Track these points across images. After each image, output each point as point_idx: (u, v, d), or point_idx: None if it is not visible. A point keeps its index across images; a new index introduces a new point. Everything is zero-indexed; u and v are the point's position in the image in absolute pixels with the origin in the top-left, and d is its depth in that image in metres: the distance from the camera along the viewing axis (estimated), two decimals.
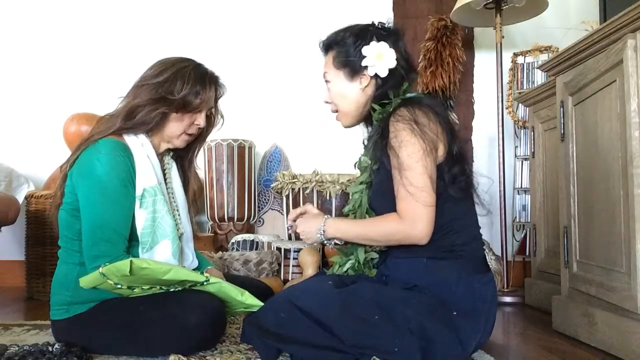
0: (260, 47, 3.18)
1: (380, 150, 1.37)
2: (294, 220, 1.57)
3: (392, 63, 1.42)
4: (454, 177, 1.36)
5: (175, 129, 1.55)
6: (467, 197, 1.42)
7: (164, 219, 1.48)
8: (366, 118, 1.52)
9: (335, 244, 1.50)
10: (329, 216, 1.49)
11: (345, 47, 1.46)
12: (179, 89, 1.50)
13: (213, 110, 1.64)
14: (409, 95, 1.45)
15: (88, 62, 3.10)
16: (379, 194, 1.42)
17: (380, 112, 1.43)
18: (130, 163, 1.45)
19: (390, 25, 1.49)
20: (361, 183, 1.49)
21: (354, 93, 1.47)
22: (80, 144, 1.48)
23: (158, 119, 1.50)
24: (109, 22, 3.14)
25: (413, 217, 1.30)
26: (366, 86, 1.46)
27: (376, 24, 1.49)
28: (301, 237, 1.52)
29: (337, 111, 1.53)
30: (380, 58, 1.42)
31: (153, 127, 1.52)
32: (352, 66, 1.45)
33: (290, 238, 2.86)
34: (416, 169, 1.30)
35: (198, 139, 1.67)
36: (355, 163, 1.56)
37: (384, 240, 1.40)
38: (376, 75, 1.44)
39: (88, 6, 3.15)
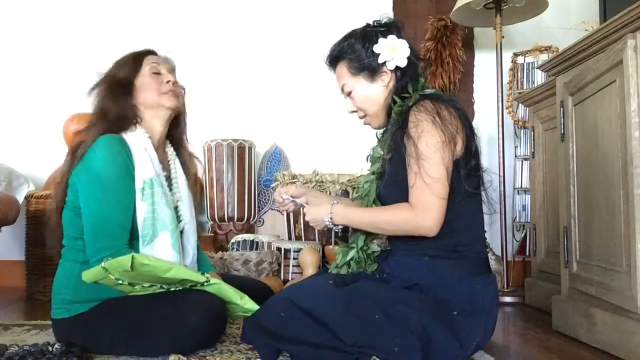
0: (260, 47, 3.18)
1: (398, 139, 1.37)
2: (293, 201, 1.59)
3: (408, 51, 1.44)
4: (469, 172, 1.37)
5: (151, 94, 1.56)
6: (476, 195, 1.42)
7: (162, 210, 1.49)
8: (388, 113, 1.52)
9: (335, 243, 1.50)
10: (335, 201, 1.50)
11: (355, 52, 1.46)
12: (111, 74, 1.57)
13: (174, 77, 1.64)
14: (427, 91, 1.46)
15: (88, 62, 3.09)
16: (392, 182, 1.41)
17: (400, 105, 1.44)
18: (127, 156, 1.46)
19: (385, 19, 1.50)
20: (373, 173, 1.50)
21: (379, 92, 1.48)
22: (77, 147, 1.48)
23: (119, 105, 1.52)
24: (108, 22, 3.14)
25: (425, 208, 1.31)
26: (389, 82, 1.47)
27: (371, 23, 1.50)
28: (310, 224, 1.53)
29: (364, 116, 1.53)
30: (395, 50, 1.43)
31: (130, 114, 1.54)
32: (370, 68, 1.45)
33: (290, 237, 2.86)
34: (434, 160, 1.31)
35: (179, 117, 1.68)
36: (368, 156, 1.56)
37: (392, 229, 1.40)
38: (396, 68, 1.45)
39: (88, 6, 3.15)
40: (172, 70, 1.64)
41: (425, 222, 1.32)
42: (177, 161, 1.66)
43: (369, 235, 1.52)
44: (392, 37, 1.43)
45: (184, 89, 1.68)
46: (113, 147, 1.44)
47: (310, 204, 1.56)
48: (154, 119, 1.58)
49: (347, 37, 1.50)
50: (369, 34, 1.46)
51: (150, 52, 1.65)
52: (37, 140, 3.04)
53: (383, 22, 1.49)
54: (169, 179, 1.61)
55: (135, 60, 1.59)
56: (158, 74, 1.59)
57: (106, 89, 1.55)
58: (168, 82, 1.59)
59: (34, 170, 2.89)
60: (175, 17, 3.17)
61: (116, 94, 1.54)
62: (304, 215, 1.56)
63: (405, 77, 1.46)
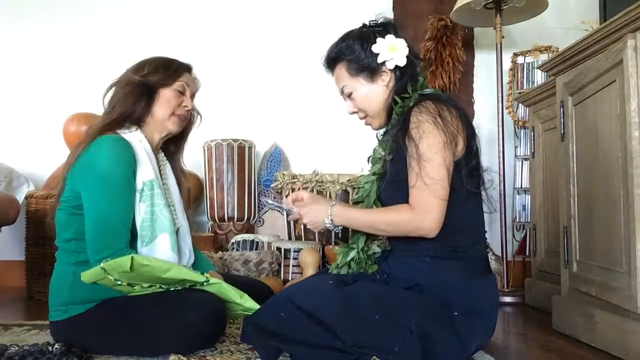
0: (261, 47, 3.18)
1: (399, 140, 1.37)
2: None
3: (406, 50, 1.44)
4: (470, 172, 1.37)
5: (165, 110, 1.57)
6: (476, 195, 1.42)
7: (161, 212, 1.49)
8: (388, 113, 1.52)
9: (336, 243, 1.50)
10: (334, 203, 1.50)
11: (354, 53, 1.46)
12: (143, 72, 1.55)
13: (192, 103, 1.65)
14: (427, 91, 1.45)
15: (88, 62, 3.10)
16: (394, 182, 1.40)
17: (401, 105, 1.44)
18: (132, 157, 1.47)
19: (381, 19, 1.50)
20: (373, 174, 1.50)
21: (379, 92, 1.47)
22: (76, 147, 1.50)
23: (138, 107, 1.53)
24: (108, 22, 3.14)
25: (425, 209, 1.31)
26: (388, 81, 1.46)
27: (367, 23, 1.50)
28: (308, 226, 1.52)
29: (365, 117, 1.53)
30: (394, 49, 1.43)
31: (141, 116, 1.54)
32: (369, 68, 1.45)
33: (290, 237, 2.86)
34: (435, 161, 1.31)
35: (182, 136, 1.70)
36: (369, 157, 1.56)
37: (392, 230, 1.40)
38: (395, 68, 1.45)
39: (88, 6, 3.15)
40: (193, 95, 1.67)
41: (426, 223, 1.32)
42: (167, 165, 1.68)
43: (370, 236, 1.52)
44: (390, 37, 1.43)
45: (200, 115, 1.73)
46: (117, 147, 1.45)
47: (309, 204, 1.55)
48: (155, 130, 1.60)
49: (344, 39, 1.49)
50: (366, 34, 1.46)
51: (189, 69, 1.66)
52: (37, 140, 3.04)
53: (379, 21, 1.49)
54: (162, 182, 1.62)
55: (174, 72, 1.59)
56: (182, 93, 1.60)
57: (130, 86, 1.54)
58: (185, 106, 1.61)
59: (34, 170, 2.89)
60: (175, 17, 3.17)
61: (140, 93, 1.54)
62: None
63: (405, 77, 1.46)
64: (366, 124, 1.55)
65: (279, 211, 3.06)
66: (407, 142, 1.35)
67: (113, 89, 1.57)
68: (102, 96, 1.58)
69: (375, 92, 1.47)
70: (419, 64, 1.50)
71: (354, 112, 1.53)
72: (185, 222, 1.67)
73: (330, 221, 1.46)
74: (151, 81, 1.55)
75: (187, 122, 1.67)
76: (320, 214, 1.48)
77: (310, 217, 1.50)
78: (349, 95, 1.50)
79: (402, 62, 1.44)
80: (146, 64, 1.58)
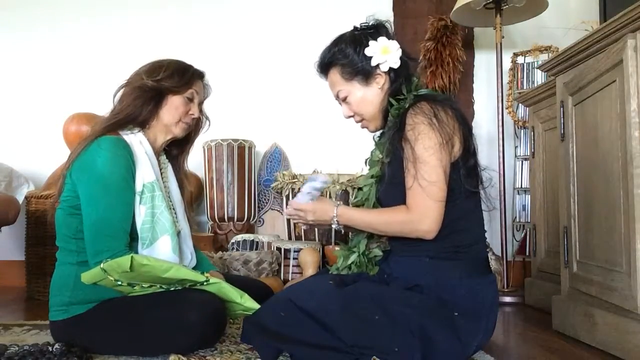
0: (261, 47, 3.18)
1: (396, 142, 1.37)
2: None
3: (399, 51, 1.43)
4: (468, 171, 1.37)
5: (172, 116, 1.57)
6: (475, 195, 1.42)
7: (162, 214, 1.49)
8: (384, 115, 1.51)
9: (336, 243, 1.50)
10: (339, 203, 1.49)
11: (347, 57, 1.45)
12: (157, 77, 1.53)
13: (201, 108, 1.66)
14: (422, 91, 1.45)
15: (88, 62, 3.10)
16: (392, 185, 1.40)
17: (397, 107, 1.44)
18: (130, 159, 1.47)
19: (372, 21, 1.49)
20: (371, 177, 1.50)
21: (375, 95, 1.47)
22: (78, 145, 1.50)
23: (145, 110, 1.53)
24: (108, 22, 3.15)
25: (422, 211, 1.31)
26: (383, 84, 1.46)
27: (358, 26, 1.50)
28: (312, 224, 1.51)
29: (362, 120, 1.52)
30: (387, 51, 1.42)
31: (146, 119, 1.54)
32: (364, 71, 1.45)
33: (290, 237, 2.86)
34: (431, 163, 1.30)
35: (188, 140, 1.71)
36: (367, 159, 1.56)
37: (390, 231, 1.40)
38: (390, 70, 1.44)
39: (88, 7, 3.15)
40: (201, 103, 1.67)
41: (423, 225, 1.32)
42: (169, 168, 1.68)
43: (371, 239, 1.52)
44: (382, 39, 1.43)
45: (209, 120, 1.73)
46: (116, 148, 1.45)
47: (315, 204, 1.53)
48: (159, 133, 1.60)
49: (336, 43, 1.49)
50: (358, 38, 1.46)
51: (202, 77, 1.66)
52: (37, 140, 3.04)
53: (371, 23, 1.48)
54: (163, 184, 1.62)
55: (188, 81, 1.59)
56: (191, 100, 1.61)
57: (141, 89, 1.53)
58: (191, 114, 1.61)
59: (34, 170, 2.89)
60: (175, 18, 3.17)
61: (149, 97, 1.53)
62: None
63: (400, 78, 1.45)
64: (362, 127, 1.55)
65: (279, 211, 3.04)
66: (403, 144, 1.35)
67: (123, 89, 1.56)
68: (112, 95, 1.57)
69: (370, 95, 1.47)
70: (413, 64, 1.49)
71: (350, 116, 1.53)
72: (186, 224, 1.66)
73: (336, 221, 1.46)
74: (164, 87, 1.54)
75: (194, 127, 1.67)
76: (327, 214, 1.47)
77: (317, 216, 1.49)
78: (344, 100, 1.50)
79: (396, 64, 1.43)
80: (162, 68, 1.56)
